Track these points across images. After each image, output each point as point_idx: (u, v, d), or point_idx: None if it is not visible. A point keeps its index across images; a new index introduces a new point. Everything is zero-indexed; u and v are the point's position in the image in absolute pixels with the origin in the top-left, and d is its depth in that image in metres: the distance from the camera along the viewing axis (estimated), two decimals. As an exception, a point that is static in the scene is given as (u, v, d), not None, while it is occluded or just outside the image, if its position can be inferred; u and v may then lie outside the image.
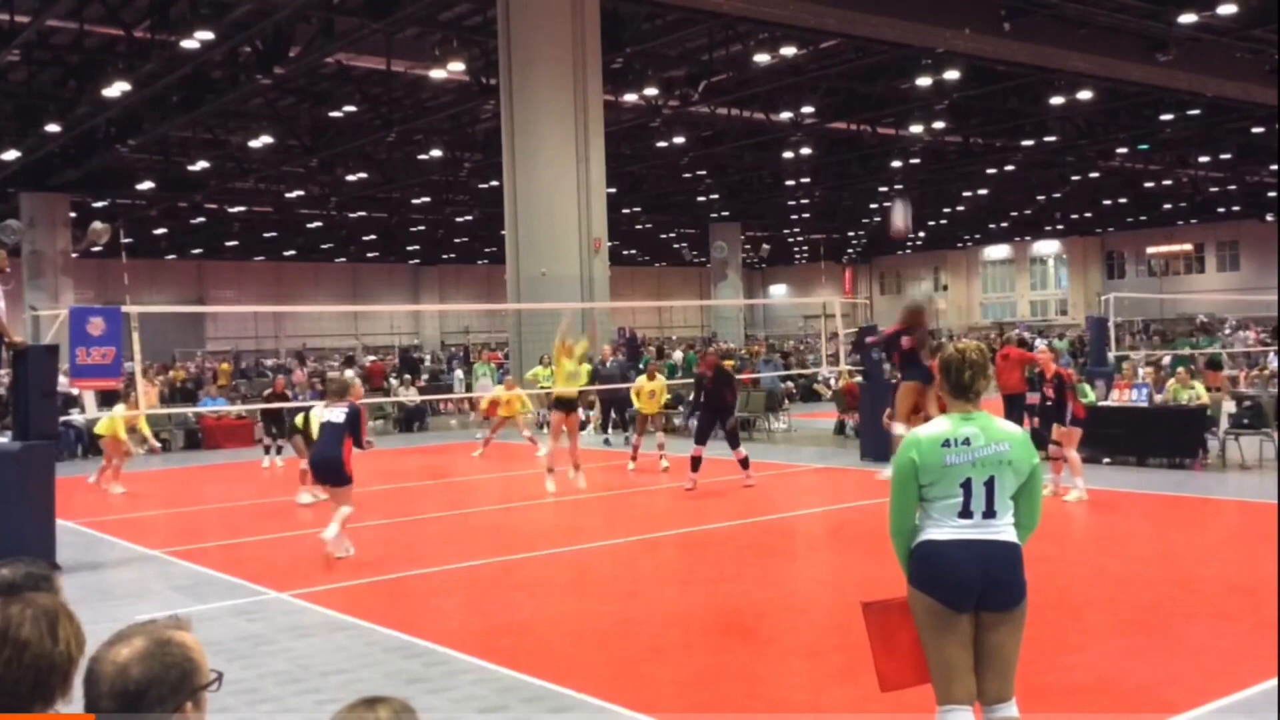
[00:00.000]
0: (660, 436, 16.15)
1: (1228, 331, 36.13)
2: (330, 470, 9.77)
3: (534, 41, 20.92)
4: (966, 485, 3.84)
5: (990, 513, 3.85)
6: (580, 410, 16.05)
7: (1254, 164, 41.18)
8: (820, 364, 25.03)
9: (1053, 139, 35.18)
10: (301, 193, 40.44)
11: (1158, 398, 14.54)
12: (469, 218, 47.86)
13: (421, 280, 66.80)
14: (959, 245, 68.97)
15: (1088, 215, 57.18)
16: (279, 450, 17.38)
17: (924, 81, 26.65)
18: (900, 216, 15.97)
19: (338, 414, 9.78)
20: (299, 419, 13.71)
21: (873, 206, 52.02)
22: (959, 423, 3.91)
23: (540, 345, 22.11)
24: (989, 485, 3.84)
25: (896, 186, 41.98)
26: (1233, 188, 47.82)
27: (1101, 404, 14.77)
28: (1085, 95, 28.61)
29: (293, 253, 59.59)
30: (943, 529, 3.87)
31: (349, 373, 21.34)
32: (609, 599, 8.27)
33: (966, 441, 3.85)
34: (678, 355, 30.39)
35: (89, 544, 11.13)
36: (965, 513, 3.84)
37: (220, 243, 54.23)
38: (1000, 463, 3.85)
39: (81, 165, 31.70)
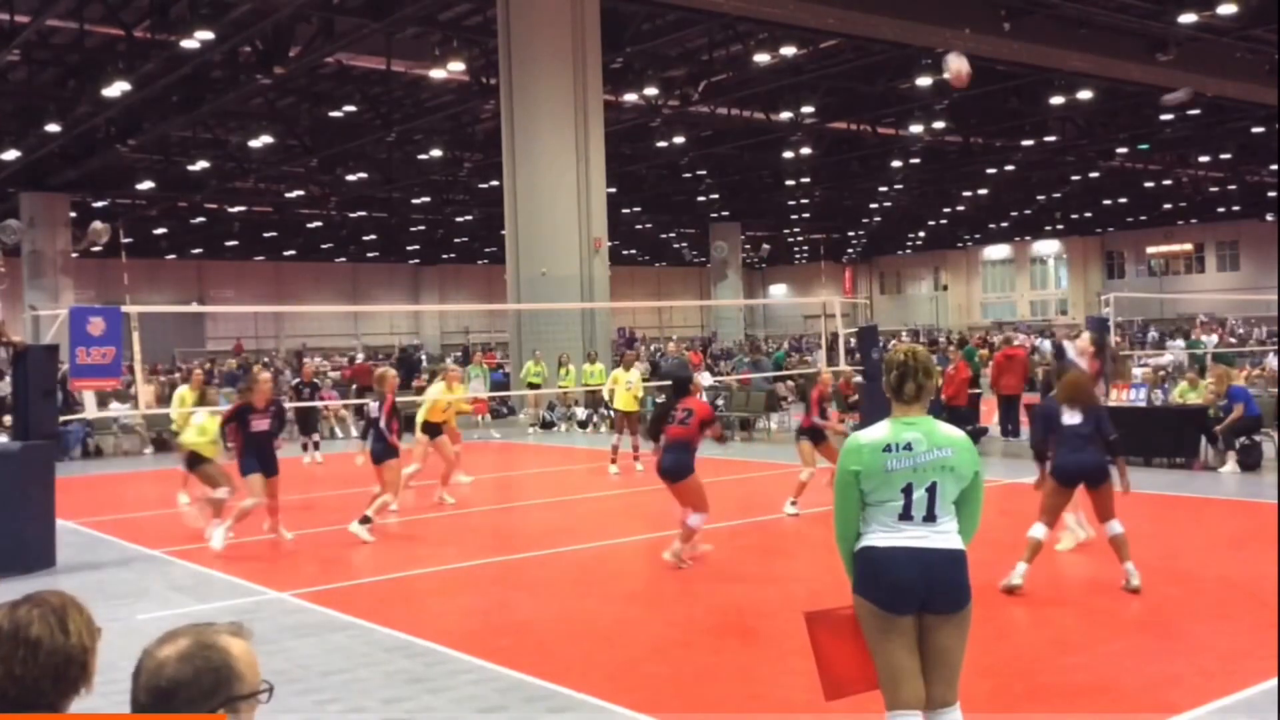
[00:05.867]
0: (635, 439, 15.13)
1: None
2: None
3: (534, 41, 20.91)
4: (907, 490, 3.81)
5: (930, 517, 3.83)
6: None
7: (1254, 164, 41.19)
8: (816, 364, 25.05)
9: (1053, 139, 35.20)
10: (301, 193, 40.46)
11: (1159, 398, 14.53)
12: (469, 218, 47.88)
13: (421, 280, 66.80)
14: (959, 245, 68.98)
15: (1088, 215, 57.21)
16: (316, 446, 18.00)
17: (924, 81, 26.66)
18: (955, 61, 14.99)
19: None
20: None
21: (873, 206, 52.02)
22: (901, 428, 3.87)
23: (539, 345, 22.13)
24: (930, 491, 3.82)
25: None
26: (1233, 188, 47.84)
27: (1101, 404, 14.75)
28: (1085, 95, 28.62)
29: (293, 253, 59.60)
30: (883, 534, 3.84)
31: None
32: (609, 599, 8.27)
33: (908, 447, 3.81)
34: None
35: (89, 544, 11.12)
36: (905, 516, 3.82)
37: (220, 243, 54.24)
38: (942, 468, 3.82)
39: (81, 165, 31.72)
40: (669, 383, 9.97)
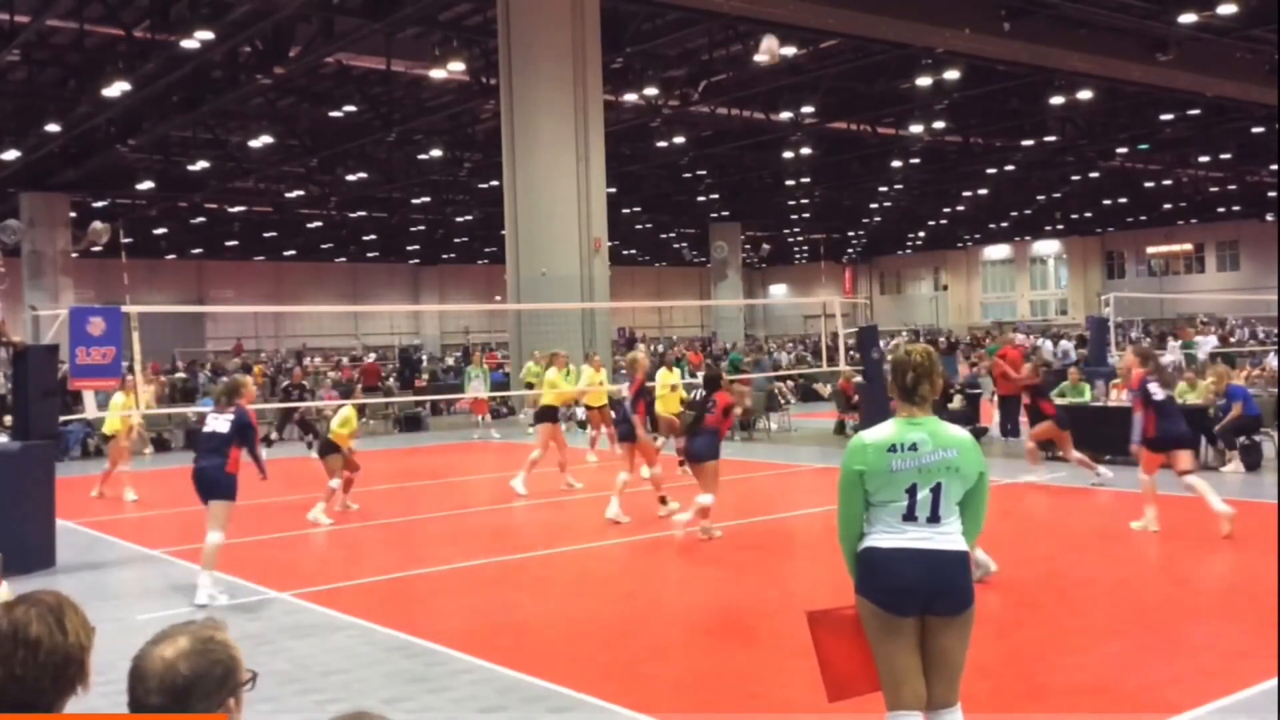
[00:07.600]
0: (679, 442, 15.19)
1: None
2: None
3: (534, 41, 20.91)
4: (912, 491, 3.80)
5: (935, 518, 3.81)
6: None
7: (1254, 164, 41.18)
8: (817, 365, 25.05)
9: (1053, 139, 35.18)
10: (301, 193, 40.42)
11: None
12: (469, 218, 47.86)
13: (421, 280, 66.79)
14: (959, 245, 68.98)
15: (1088, 215, 57.20)
16: (311, 445, 18.00)
17: (924, 81, 26.64)
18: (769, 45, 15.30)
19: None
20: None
21: (873, 206, 52.03)
22: (906, 428, 3.86)
23: (539, 345, 22.10)
24: (935, 491, 3.80)
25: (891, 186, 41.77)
26: (1233, 188, 47.82)
27: (1100, 404, 14.78)
28: (1085, 95, 28.60)
29: (293, 253, 59.59)
30: (887, 535, 3.83)
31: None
32: (609, 599, 8.27)
33: (913, 447, 3.80)
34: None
35: (89, 544, 11.13)
36: (910, 517, 3.81)
37: (220, 243, 54.24)
38: (947, 469, 3.81)
39: (81, 165, 31.69)
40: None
